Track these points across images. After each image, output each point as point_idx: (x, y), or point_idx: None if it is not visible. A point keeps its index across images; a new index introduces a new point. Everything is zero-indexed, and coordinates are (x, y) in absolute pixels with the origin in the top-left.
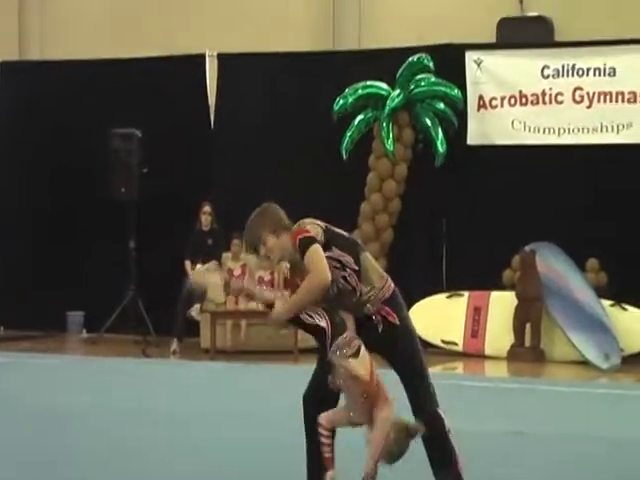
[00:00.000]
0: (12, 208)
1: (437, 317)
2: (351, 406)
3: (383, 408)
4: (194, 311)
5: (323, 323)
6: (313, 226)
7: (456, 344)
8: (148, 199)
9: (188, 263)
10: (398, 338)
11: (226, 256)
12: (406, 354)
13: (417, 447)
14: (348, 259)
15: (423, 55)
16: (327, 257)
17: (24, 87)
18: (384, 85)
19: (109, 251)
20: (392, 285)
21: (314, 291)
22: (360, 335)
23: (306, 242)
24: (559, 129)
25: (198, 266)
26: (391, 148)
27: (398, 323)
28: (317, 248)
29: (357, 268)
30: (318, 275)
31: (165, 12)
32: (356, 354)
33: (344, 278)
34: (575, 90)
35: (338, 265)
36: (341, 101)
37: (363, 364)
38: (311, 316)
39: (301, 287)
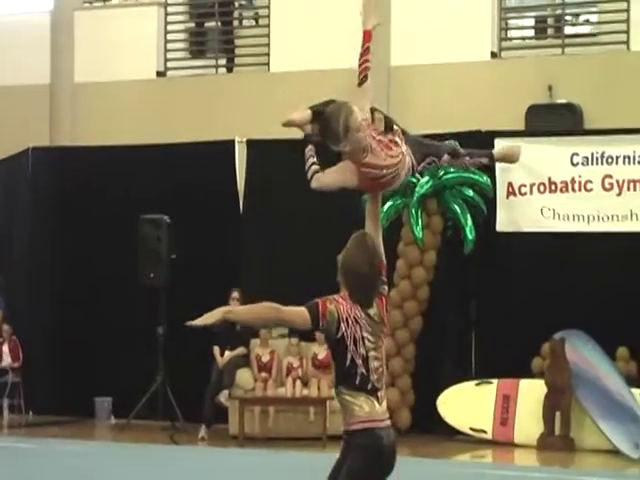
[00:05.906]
0: (41, 294)
1: (466, 405)
2: None
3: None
4: (223, 397)
5: None
6: None
7: (485, 432)
8: (177, 285)
9: (216, 349)
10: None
11: (254, 342)
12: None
13: None
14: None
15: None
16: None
17: (54, 173)
18: None
19: (138, 337)
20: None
21: None
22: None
23: None
24: (588, 216)
25: (227, 352)
26: (420, 235)
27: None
28: None
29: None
30: None
31: (194, 98)
32: None
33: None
34: (604, 178)
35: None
36: None
37: None
38: None
39: None
